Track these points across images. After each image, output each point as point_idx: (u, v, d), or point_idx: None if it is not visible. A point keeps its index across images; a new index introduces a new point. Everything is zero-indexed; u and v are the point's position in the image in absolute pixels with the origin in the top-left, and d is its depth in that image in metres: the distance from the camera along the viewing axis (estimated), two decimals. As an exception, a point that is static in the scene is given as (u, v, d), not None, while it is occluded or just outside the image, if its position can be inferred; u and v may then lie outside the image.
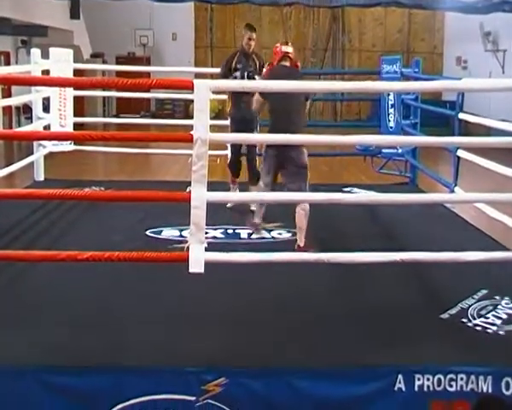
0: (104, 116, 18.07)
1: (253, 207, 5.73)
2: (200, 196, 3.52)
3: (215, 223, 5.31)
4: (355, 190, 7.37)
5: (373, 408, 3.23)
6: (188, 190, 3.61)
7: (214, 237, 5.39)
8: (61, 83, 5.60)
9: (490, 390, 3.21)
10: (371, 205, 5.85)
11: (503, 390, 3.22)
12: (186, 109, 17.84)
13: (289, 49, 5.28)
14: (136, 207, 5.82)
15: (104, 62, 18.57)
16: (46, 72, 7.34)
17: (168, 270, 4.01)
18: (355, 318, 3.86)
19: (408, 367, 3.26)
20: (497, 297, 4.13)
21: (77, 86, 7.37)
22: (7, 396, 3.13)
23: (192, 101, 3.49)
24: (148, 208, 5.82)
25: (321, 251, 3.82)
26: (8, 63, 15.69)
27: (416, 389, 3.22)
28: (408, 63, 13.90)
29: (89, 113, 15.70)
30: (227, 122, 6.79)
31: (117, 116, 18.44)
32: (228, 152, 6.97)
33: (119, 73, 14.22)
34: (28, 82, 5.99)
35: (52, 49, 7.48)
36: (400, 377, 3.21)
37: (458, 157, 6.28)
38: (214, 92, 4.17)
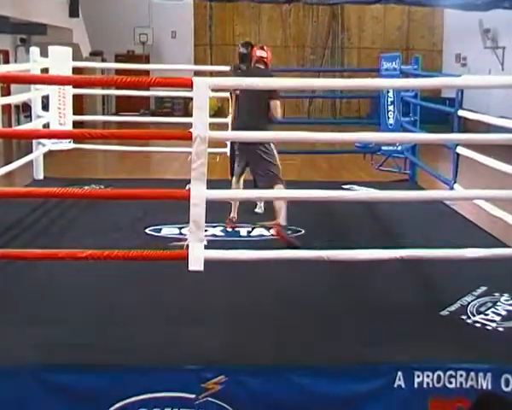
0: (103, 114, 18.10)
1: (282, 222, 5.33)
2: (199, 193, 3.52)
3: (214, 221, 5.31)
4: (355, 187, 7.36)
5: (373, 405, 3.22)
6: (187, 187, 3.61)
7: (214, 235, 5.39)
8: (61, 81, 5.60)
9: (489, 387, 3.21)
10: (371, 202, 5.86)
11: (503, 387, 3.22)
12: (185, 107, 17.85)
13: (264, 53, 5.75)
14: (136, 205, 5.83)
15: (103, 60, 18.59)
16: (45, 70, 7.32)
17: (168, 268, 4.01)
18: (355, 315, 3.86)
19: (407, 364, 3.25)
20: (497, 294, 4.13)
21: (76, 84, 7.37)
22: (6, 395, 3.12)
23: (191, 99, 3.49)
24: (148, 206, 5.83)
25: (320, 249, 3.81)
26: (7, 61, 15.70)
27: (416, 386, 3.21)
28: (407, 61, 13.95)
29: (88, 111, 15.71)
30: (226, 120, 6.78)
31: (116, 114, 18.48)
32: (227, 150, 6.96)
33: (119, 71, 14.26)
34: (27, 80, 5.99)
35: (51, 48, 7.48)
36: (400, 374, 3.21)
37: (458, 154, 6.27)
38: (213, 90, 4.18)
